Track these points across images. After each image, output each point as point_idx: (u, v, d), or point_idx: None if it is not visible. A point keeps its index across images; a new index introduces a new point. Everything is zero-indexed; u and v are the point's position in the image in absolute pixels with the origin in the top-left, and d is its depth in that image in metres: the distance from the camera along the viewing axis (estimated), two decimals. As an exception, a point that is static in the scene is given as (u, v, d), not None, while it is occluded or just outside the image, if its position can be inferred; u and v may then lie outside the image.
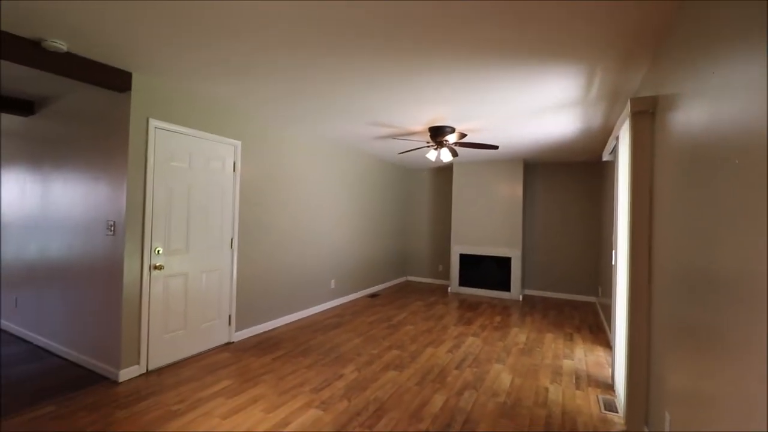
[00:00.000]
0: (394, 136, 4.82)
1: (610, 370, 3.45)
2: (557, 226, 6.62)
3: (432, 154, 4.45)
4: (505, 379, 3.19)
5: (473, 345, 4.00)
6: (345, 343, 3.93)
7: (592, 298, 6.35)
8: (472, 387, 3.01)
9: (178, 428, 2.30)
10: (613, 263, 3.36)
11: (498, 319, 5.09)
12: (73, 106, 3.43)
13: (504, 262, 6.47)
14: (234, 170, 3.85)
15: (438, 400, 2.76)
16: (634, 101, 2.36)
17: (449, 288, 6.87)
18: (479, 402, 2.77)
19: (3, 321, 4.05)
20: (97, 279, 3.10)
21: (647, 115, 2.38)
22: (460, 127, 4.22)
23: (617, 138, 3.16)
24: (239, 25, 2.13)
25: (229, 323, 3.83)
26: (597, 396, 2.93)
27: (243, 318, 3.99)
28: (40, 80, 3.21)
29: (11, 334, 3.88)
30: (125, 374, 2.92)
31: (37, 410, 2.45)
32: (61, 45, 2.43)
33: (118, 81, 2.86)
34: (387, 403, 2.69)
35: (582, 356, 3.79)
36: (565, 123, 3.98)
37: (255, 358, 3.44)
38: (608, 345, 4.14)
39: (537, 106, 3.43)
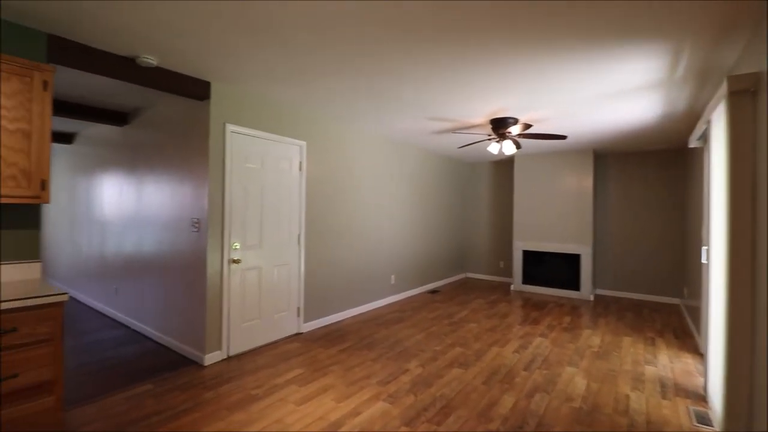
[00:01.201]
0: (453, 130, 4.74)
1: (701, 379, 3.12)
2: (633, 220, 6.11)
3: (494, 147, 4.31)
4: (580, 383, 3.02)
5: (541, 346, 3.83)
6: (408, 338, 3.96)
7: (675, 300, 5.78)
8: (543, 390, 2.88)
9: (258, 411, 2.47)
10: (704, 261, 3.03)
11: (567, 319, 4.83)
12: (159, 115, 3.79)
13: (572, 259, 6.11)
14: (300, 169, 4.03)
15: (507, 401, 2.68)
16: (732, 79, 2.10)
17: (512, 286, 6.64)
18: (552, 406, 2.64)
19: (106, 307, 4.61)
20: (184, 271, 3.41)
21: (747, 95, 2.11)
22: (524, 118, 4.04)
23: (709, 121, 2.84)
24: (304, 28, 2.22)
25: (298, 315, 4.02)
26: (687, 407, 2.67)
27: (310, 310, 4.18)
28: (131, 93, 3.58)
29: (113, 319, 4.40)
30: (209, 359, 3.19)
31: (138, 387, 2.77)
32: (152, 60, 2.69)
33: (198, 90, 3.11)
34: (454, 401, 2.67)
35: (667, 363, 3.47)
36: (643, 107, 3.65)
37: (323, 349, 3.59)
38: (697, 351, 3.75)
39: (612, 91, 3.18)
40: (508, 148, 4.12)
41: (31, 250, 2.24)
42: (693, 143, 3.67)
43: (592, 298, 5.93)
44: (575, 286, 6.07)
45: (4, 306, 1.72)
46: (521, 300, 5.84)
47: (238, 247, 3.40)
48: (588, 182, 5.98)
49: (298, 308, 4.02)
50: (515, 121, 3.99)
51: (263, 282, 3.65)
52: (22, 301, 1.76)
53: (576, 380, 3.06)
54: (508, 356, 3.53)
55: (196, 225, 3.27)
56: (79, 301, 5.19)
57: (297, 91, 3.39)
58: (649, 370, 3.31)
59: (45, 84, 2.09)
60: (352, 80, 3.08)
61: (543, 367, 3.31)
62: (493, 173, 7.51)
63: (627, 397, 2.81)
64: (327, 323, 4.39)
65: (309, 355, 3.45)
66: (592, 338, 4.11)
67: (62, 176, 5.81)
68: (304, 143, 4.05)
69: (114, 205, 4.49)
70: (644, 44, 2.33)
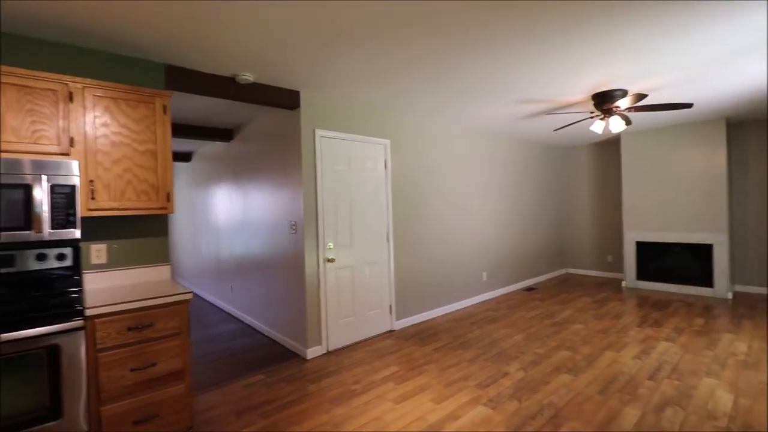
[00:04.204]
0: (547, 112, 4.34)
1: None
2: (786, 201, 4.96)
3: (598, 126, 3.83)
4: (724, 398, 2.52)
5: (669, 352, 3.30)
6: (505, 338, 3.73)
7: None
8: (676, 404, 2.46)
9: (358, 407, 2.51)
10: None
11: (699, 321, 4.10)
12: (257, 128, 4.11)
13: (702, 251, 5.19)
14: (385, 168, 4.04)
15: (630, 415, 2.35)
16: None
17: (623, 282, 5.88)
18: (689, 423, 2.24)
19: (223, 303, 5.18)
20: (286, 271, 3.66)
21: None
22: (635, 88, 3.51)
23: None
24: (385, 28, 2.18)
25: (390, 312, 4.05)
26: None
27: (401, 308, 4.18)
28: (234, 111, 3.94)
29: (229, 314, 4.93)
30: (311, 353, 3.37)
31: (252, 377, 3.03)
32: (248, 77, 2.91)
33: (289, 100, 3.29)
34: (564, 411, 2.42)
35: None
36: (803, 59, 2.90)
37: (416, 347, 3.55)
38: None
39: (760, 38, 2.58)
40: (616, 125, 3.62)
41: (161, 255, 2.58)
42: None
43: (730, 296, 4.97)
44: (707, 282, 5.15)
45: (142, 304, 1.99)
46: (637, 298, 5.14)
47: (331, 246, 3.53)
48: (720, 157, 5.01)
49: (390, 306, 4.05)
50: (624, 93, 3.49)
51: (356, 280, 3.74)
52: (156, 299, 2.02)
53: (718, 394, 2.56)
54: (626, 363, 3.11)
55: (294, 227, 3.48)
56: (202, 298, 5.92)
57: (379, 90, 3.40)
58: (826, 387, 2.63)
59: (164, 108, 2.38)
60: (434, 74, 2.97)
61: (673, 376, 2.84)
62: (595, 157, 6.75)
63: (796, 420, 2.27)
64: (418, 321, 4.35)
65: (403, 352, 3.44)
66: (736, 344, 3.43)
67: (185, 190, 6.69)
68: (388, 141, 4.05)
69: (225, 212, 5.02)
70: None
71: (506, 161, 5.73)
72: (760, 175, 5.14)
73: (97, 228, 2.38)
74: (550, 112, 4.30)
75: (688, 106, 3.44)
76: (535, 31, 2.32)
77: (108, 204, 2.17)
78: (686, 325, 3.98)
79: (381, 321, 3.97)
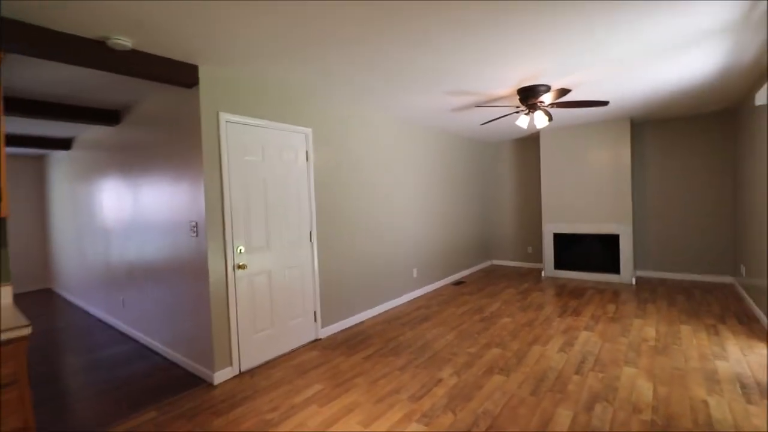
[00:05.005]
0: (476, 105, 4.25)
1: (790, 376, 2.65)
2: (676, 193, 5.53)
3: (523, 120, 3.81)
4: (644, 387, 2.58)
5: (589, 342, 3.39)
6: (437, 339, 3.57)
7: (728, 279, 5.22)
8: (604, 398, 2.46)
9: (273, 442, 2.13)
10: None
11: (611, 308, 4.35)
12: (149, 109, 3.43)
13: (610, 240, 5.58)
14: (307, 159, 3.63)
15: (563, 417, 2.28)
16: None
17: (543, 272, 6.16)
18: (618, 420, 2.23)
19: (114, 319, 4.36)
20: (187, 281, 3.09)
21: None
22: (556, 84, 3.53)
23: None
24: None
25: (315, 319, 3.67)
26: (785, 415, 2.22)
27: (328, 313, 3.83)
28: (118, 87, 3.22)
29: (121, 332, 4.15)
30: (219, 376, 2.87)
31: (141, 416, 2.46)
32: (125, 42, 2.31)
33: (184, 75, 2.73)
34: (500, 419, 2.28)
35: (739, 356, 3.00)
36: (700, 60, 3.09)
37: (344, 357, 3.23)
38: (774, 341, 3.26)
39: (666, 42, 2.65)
40: (540, 120, 3.62)
41: (-5, 273, 1.92)
42: (760, 100, 3.13)
43: (633, 281, 5.41)
44: (614, 269, 5.56)
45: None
46: (555, 287, 5.37)
47: (242, 250, 3.04)
48: (625, 154, 5.41)
49: (315, 312, 3.67)
50: (547, 89, 3.49)
51: (274, 287, 3.30)
52: (-32, 340, 1.43)
53: (639, 384, 2.63)
54: (553, 357, 3.11)
55: (195, 229, 2.93)
56: (89, 313, 4.98)
57: (298, 71, 2.97)
58: (722, 366, 2.85)
59: (-10, 73, 1.73)
60: (362, 58, 2.64)
61: (597, 368, 2.88)
62: (517, 152, 6.97)
63: (705, 403, 2.37)
64: (347, 326, 4.03)
65: (329, 365, 3.10)
66: (645, 329, 3.65)
67: (64, 184, 5.57)
68: (309, 130, 3.64)
69: (113, 210, 4.19)
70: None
71: (435, 155, 5.62)
72: (657, 170, 5.66)
73: None
74: (478, 104, 4.22)
75: (605, 103, 3.54)
76: (463, 18, 2.10)
77: None
78: (601, 313, 4.18)
79: (305, 330, 3.58)
